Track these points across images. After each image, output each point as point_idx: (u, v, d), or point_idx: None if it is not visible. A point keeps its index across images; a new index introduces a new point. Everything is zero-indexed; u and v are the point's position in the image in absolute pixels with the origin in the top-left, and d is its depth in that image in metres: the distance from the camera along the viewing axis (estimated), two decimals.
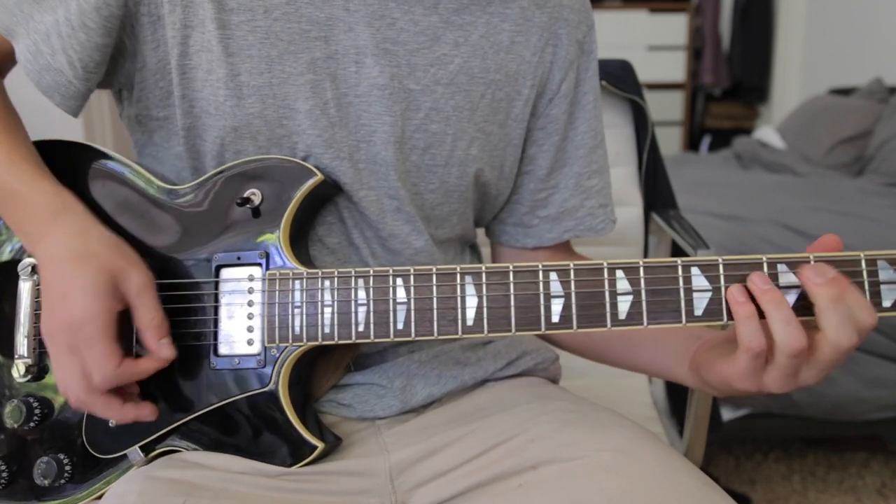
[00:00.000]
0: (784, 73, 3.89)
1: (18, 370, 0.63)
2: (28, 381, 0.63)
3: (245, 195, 0.62)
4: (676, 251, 1.19)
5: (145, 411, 0.60)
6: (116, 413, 0.59)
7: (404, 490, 0.62)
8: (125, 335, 0.60)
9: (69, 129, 1.26)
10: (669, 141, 4.18)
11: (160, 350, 0.59)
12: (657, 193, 1.25)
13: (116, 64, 0.66)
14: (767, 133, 2.90)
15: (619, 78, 1.22)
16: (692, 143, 4.31)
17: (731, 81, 4.18)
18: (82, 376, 0.57)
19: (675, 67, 4.15)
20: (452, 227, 0.72)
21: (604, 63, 1.19)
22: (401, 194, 0.66)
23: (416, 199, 0.68)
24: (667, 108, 4.18)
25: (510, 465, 0.60)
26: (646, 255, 1.30)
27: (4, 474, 0.63)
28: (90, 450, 0.62)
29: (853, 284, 0.53)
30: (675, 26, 4.11)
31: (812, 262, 0.54)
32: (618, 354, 0.73)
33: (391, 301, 0.59)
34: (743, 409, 1.58)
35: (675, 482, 0.57)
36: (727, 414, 1.57)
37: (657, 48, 4.10)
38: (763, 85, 4.07)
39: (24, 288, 0.63)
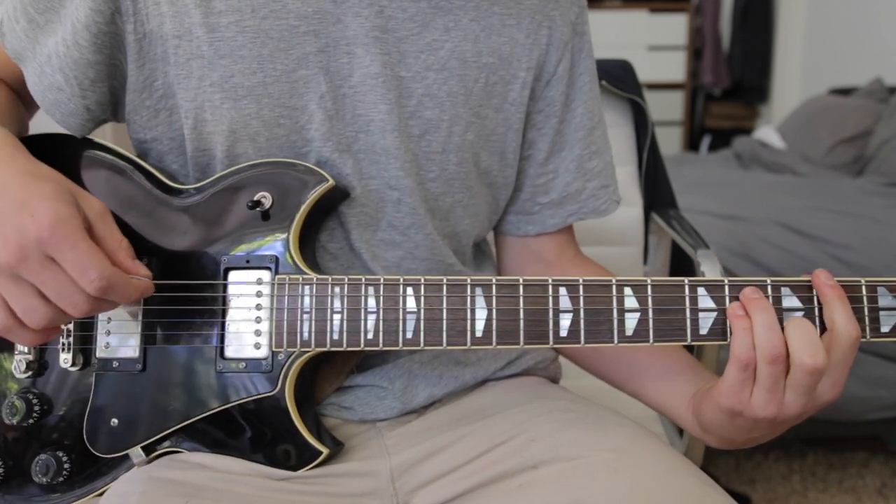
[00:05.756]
0: (784, 73, 3.90)
1: (19, 366, 0.63)
2: (28, 376, 0.63)
3: (255, 198, 0.62)
4: (676, 251, 1.20)
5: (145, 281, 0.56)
6: (132, 289, 0.55)
7: (406, 491, 0.63)
8: None
9: None
10: (669, 141, 4.18)
11: (139, 269, 0.57)
12: (657, 193, 1.26)
13: (116, 91, 0.66)
14: (767, 133, 2.90)
15: (619, 78, 1.22)
16: (692, 143, 4.31)
17: (731, 81, 4.18)
18: (79, 275, 0.51)
19: (675, 67, 4.15)
20: (458, 219, 0.71)
21: (604, 63, 1.19)
22: (402, 184, 0.66)
23: (420, 190, 0.67)
24: (667, 108, 4.18)
25: (511, 466, 0.60)
26: (646, 254, 1.30)
27: (1, 470, 0.63)
28: (91, 449, 0.62)
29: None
30: (675, 26, 4.10)
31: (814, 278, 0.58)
32: (624, 378, 0.73)
33: (401, 310, 0.59)
34: None
35: (675, 482, 0.57)
36: None
37: (657, 48, 4.10)
38: (763, 85, 4.07)
39: None
